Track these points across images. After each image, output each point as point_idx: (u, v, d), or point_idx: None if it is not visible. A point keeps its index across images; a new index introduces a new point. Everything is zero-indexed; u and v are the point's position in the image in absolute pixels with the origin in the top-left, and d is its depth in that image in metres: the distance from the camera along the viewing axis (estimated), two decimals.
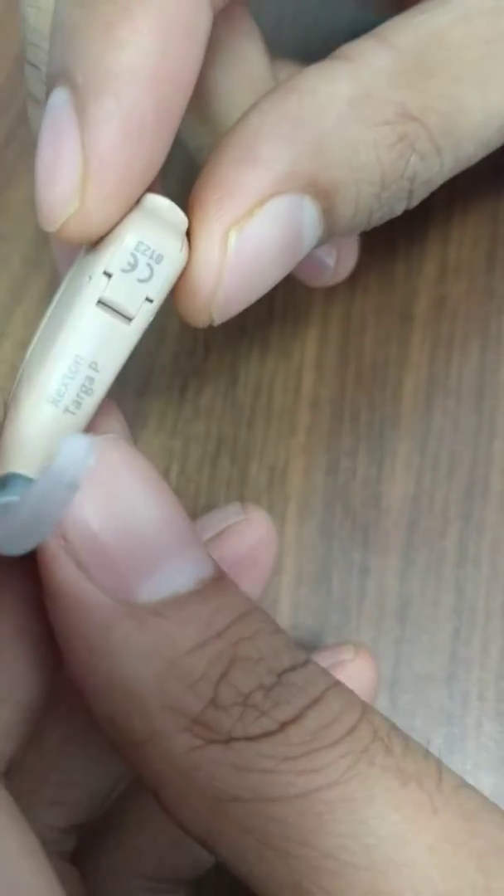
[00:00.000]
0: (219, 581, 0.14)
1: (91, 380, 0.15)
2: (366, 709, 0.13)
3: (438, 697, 0.23)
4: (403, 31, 0.18)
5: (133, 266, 0.15)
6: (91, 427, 0.16)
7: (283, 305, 0.26)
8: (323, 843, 0.12)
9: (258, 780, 0.12)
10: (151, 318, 0.15)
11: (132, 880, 0.19)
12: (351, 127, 0.17)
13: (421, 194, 0.19)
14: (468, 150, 0.19)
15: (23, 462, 0.15)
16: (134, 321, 0.15)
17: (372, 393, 0.25)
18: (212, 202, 0.16)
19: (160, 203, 0.16)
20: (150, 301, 0.15)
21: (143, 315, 0.15)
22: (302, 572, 0.24)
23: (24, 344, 0.26)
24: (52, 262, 0.27)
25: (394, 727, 0.13)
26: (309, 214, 0.17)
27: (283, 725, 0.13)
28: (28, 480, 0.14)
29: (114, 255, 0.15)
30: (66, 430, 0.15)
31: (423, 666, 0.23)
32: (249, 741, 0.12)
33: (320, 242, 0.18)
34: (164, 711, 0.13)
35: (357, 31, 0.18)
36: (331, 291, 0.26)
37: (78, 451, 0.14)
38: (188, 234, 0.16)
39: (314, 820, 0.12)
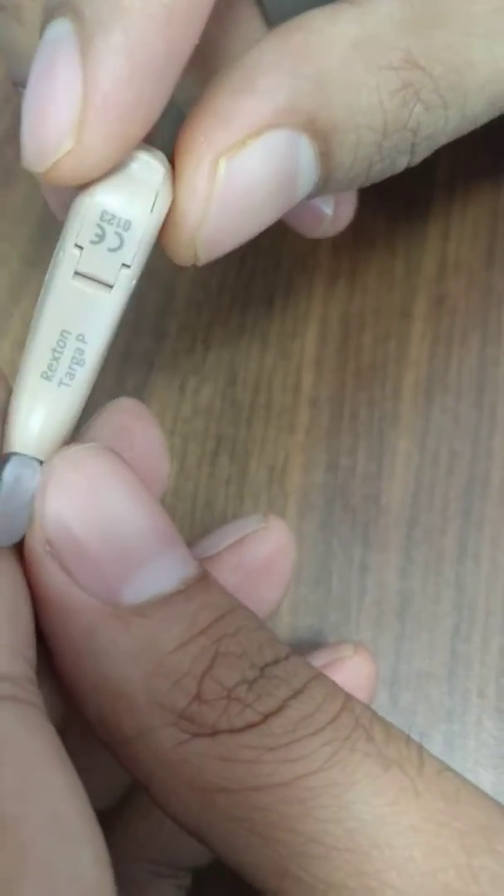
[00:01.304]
0: (202, 580, 0.14)
1: (81, 351, 0.15)
2: (348, 698, 0.14)
3: (438, 695, 0.23)
4: None
5: (101, 237, 0.14)
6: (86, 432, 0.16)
7: (282, 303, 0.26)
8: (307, 828, 0.12)
9: (243, 771, 0.13)
10: (134, 281, 0.15)
11: (138, 865, 0.19)
12: (354, 68, 0.16)
13: (424, 150, 0.18)
14: (475, 106, 0.18)
15: (23, 440, 0.15)
16: (114, 288, 0.15)
17: (371, 390, 0.25)
18: (202, 128, 0.15)
19: (132, 158, 0.15)
20: (128, 266, 0.15)
21: (123, 280, 0.15)
22: (302, 570, 0.24)
23: (24, 343, 0.26)
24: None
25: (375, 716, 0.14)
26: (305, 155, 0.16)
27: (266, 717, 0.13)
28: (26, 459, 0.15)
29: (80, 229, 0.14)
30: (64, 402, 0.15)
31: (423, 663, 0.23)
32: (234, 733, 0.13)
33: (316, 190, 0.17)
34: (151, 708, 0.13)
35: None
36: (330, 288, 0.26)
37: (24, 473, 0.14)
38: (173, 163, 0.15)
39: (298, 807, 0.12)
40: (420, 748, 0.13)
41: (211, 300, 0.26)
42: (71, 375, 0.15)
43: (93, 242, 0.14)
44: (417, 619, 0.23)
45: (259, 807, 0.13)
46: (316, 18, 0.17)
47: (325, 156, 0.16)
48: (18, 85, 0.18)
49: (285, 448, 0.25)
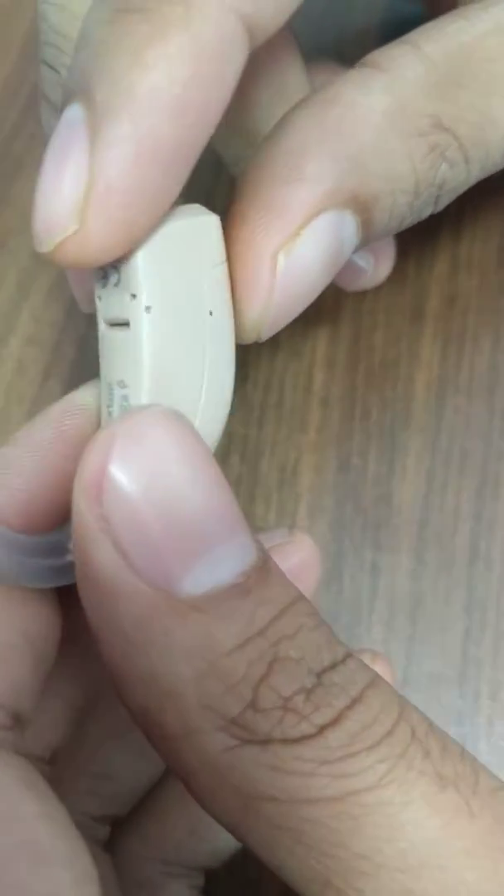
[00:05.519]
0: (262, 569, 0.13)
1: (125, 397, 0.15)
2: (404, 707, 0.13)
3: (450, 697, 0.23)
4: (437, 40, 0.18)
5: (104, 275, 0.15)
6: None
7: None
8: (357, 844, 0.12)
9: (295, 783, 0.12)
10: (151, 311, 0.15)
11: (152, 865, 0.19)
12: (388, 139, 0.17)
13: (446, 200, 0.19)
14: (495, 158, 0.19)
15: None
16: (131, 323, 0.15)
17: (383, 390, 0.25)
18: (260, 224, 0.16)
19: None
20: (135, 296, 0.15)
21: (138, 311, 0.15)
22: None
23: (32, 339, 0.26)
24: None
25: (431, 727, 0.13)
26: (350, 227, 0.17)
27: (323, 729, 0.12)
28: None
29: (93, 278, 0.15)
30: None
31: (435, 665, 0.23)
32: (288, 744, 0.12)
33: (355, 251, 0.18)
34: (201, 710, 0.12)
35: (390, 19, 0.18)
36: (341, 289, 0.26)
37: None
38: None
39: (349, 822, 0.12)
40: (475, 763, 0.13)
41: None
42: None
43: (102, 285, 0.15)
44: (429, 621, 0.23)
45: (308, 819, 0.12)
46: (348, 90, 0.17)
47: (367, 223, 0.18)
48: None
49: (297, 448, 0.25)
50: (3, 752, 0.13)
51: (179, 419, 0.14)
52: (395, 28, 0.19)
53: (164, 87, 0.13)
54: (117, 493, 0.13)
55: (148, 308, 0.15)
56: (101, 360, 0.15)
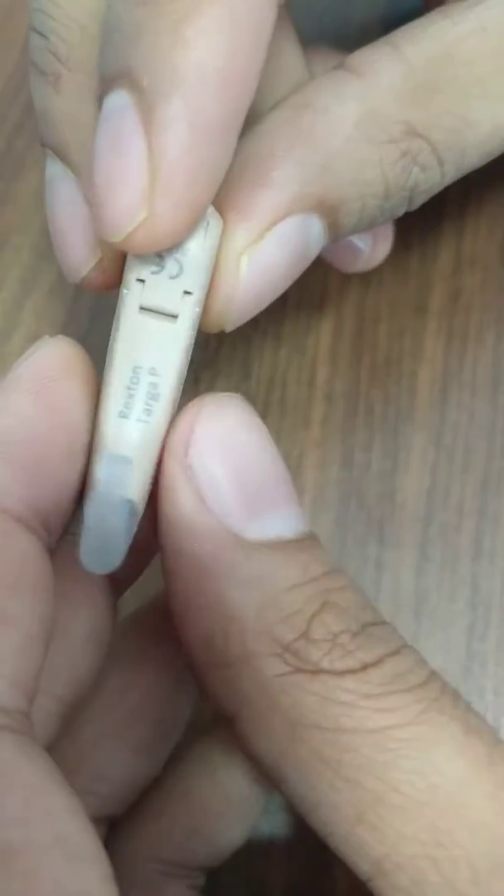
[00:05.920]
0: (314, 538, 0.15)
1: (155, 385, 0.15)
2: (434, 671, 0.15)
3: None
4: (418, 41, 0.18)
5: (161, 266, 0.15)
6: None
7: (296, 298, 0.26)
8: (391, 776, 0.13)
9: (339, 712, 0.14)
10: (199, 308, 0.15)
11: (150, 865, 0.19)
12: (359, 146, 0.17)
13: (421, 200, 0.19)
14: (471, 160, 0.19)
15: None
16: (179, 317, 0.15)
17: (386, 386, 0.25)
18: (227, 225, 0.17)
19: None
20: (190, 293, 0.15)
21: (188, 308, 0.15)
22: None
23: (35, 337, 0.26)
24: None
25: (457, 691, 0.14)
26: (315, 230, 0.18)
27: (366, 666, 0.14)
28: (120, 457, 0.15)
29: (141, 262, 0.15)
30: (143, 439, 0.15)
31: (439, 661, 0.23)
32: (335, 675, 0.14)
33: (324, 249, 0.19)
34: (260, 635, 0.14)
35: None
36: (344, 284, 0.26)
37: (117, 471, 0.15)
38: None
39: (386, 755, 0.13)
40: (492, 728, 0.14)
41: None
42: (148, 412, 0.15)
43: (154, 273, 0.15)
44: (433, 618, 0.23)
45: (349, 748, 0.13)
46: (321, 95, 0.18)
47: (333, 225, 0.18)
48: (46, 146, 0.18)
49: (300, 444, 0.24)
50: (30, 740, 0.13)
51: (249, 406, 0.16)
52: (397, 23, 0.19)
53: (208, 61, 0.14)
54: (199, 451, 0.15)
55: (197, 305, 0.15)
56: (121, 341, 0.15)
